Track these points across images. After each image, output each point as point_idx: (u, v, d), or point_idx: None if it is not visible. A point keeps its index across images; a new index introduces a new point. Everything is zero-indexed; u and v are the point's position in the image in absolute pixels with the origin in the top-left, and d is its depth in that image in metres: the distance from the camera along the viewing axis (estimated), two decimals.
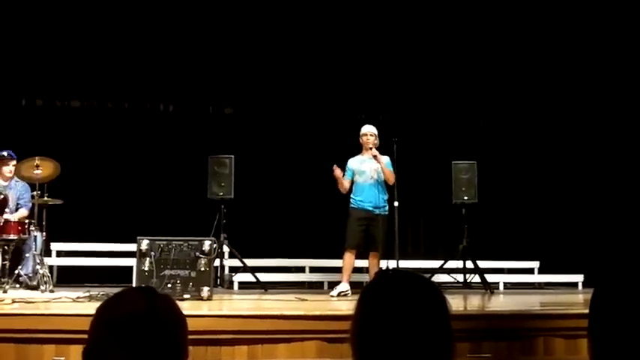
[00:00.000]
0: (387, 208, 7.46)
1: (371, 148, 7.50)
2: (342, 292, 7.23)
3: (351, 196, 7.55)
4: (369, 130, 7.63)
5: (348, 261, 7.46)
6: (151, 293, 1.73)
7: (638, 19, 9.91)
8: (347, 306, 5.75)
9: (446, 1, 10.43)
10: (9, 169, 7.80)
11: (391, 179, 7.48)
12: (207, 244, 6.48)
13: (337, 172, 7.39)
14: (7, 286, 6.69)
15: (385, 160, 7.53)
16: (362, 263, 9.67)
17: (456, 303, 7.01)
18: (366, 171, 7.51)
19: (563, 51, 10.53)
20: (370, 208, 7.40)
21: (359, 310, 1.69)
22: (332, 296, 7.15)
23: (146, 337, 1.63)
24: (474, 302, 7.15)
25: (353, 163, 7.65)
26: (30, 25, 9.49)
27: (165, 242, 6.42)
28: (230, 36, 10.03)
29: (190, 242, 6.47)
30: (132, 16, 9.82)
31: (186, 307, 5.15)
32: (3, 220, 7.16)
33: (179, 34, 9.91)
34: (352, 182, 7.57)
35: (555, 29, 10.53)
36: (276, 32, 10.10)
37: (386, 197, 7.49)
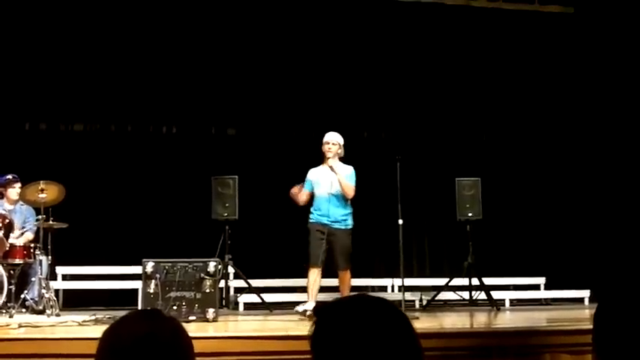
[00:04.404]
0: (348, 222, 7.13)
1: (328, 158, 7.12)
2: (308, 310, 6.54)
3: (311, 209, 7.25)
4: (331, 139, 7.21)
5: (313, 278, 6.99)
6: (156, 316, 1.73)
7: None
8: None
9: (447, 19, 10.49)
10: (15, 191, 7.84)
11: (349, 193, 7.08)
12: (212, 266, 6.48)
13: (294, 189, 7.26)
14: (13, 311, 6.68)
15: (347, 171, 7.16)
16: (368, 282, 9.68)
17: (462, 320, 7.01)
18: (322, 183, 7.18)
19: (569, 65, 10.57)
20: (327, 222, 7.05)
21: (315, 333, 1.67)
22: (297, 311, 6.69)
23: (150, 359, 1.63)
24: (480, 319, 7.12)
25: (312, 174, 7.33)
26: (33, 49, 9.55)
27: (170, 264, 6.42)
28: (232, 57, 10.07)
29: (195, 264, 6.46)
30: (134, 40, 9.88)
31: (192, 329, 5.12)
32: (9, 245, 7.19)
33: (181, 57, 9.96)
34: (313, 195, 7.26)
35: (557, 45, 10.60)
36: (278, 53, 10.15)
37: (346, 212, 7.14)
